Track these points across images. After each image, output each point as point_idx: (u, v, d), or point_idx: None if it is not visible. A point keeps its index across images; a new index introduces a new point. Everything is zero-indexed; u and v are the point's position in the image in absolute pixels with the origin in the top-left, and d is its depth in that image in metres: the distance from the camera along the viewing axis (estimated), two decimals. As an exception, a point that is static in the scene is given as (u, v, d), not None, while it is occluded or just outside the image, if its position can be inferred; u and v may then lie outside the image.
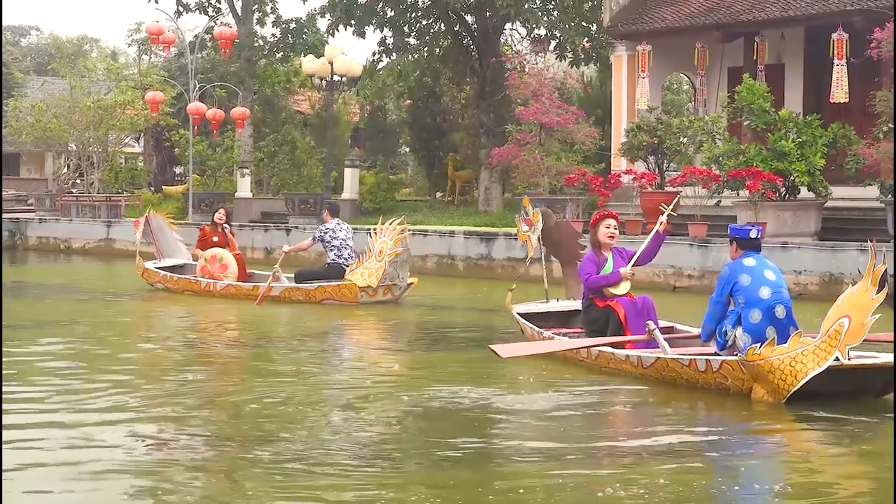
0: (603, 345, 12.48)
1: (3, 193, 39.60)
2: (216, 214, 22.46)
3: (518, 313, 14.75)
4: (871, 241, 10.99)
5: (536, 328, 14.06)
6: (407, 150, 46.39)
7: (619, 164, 29.06)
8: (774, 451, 9.59)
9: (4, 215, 35.47)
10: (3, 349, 13.18)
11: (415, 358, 14.31)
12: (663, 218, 13.32)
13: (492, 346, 11.97)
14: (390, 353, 14.97)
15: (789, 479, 8.58)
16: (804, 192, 24.40)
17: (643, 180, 25.50)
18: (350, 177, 34.99)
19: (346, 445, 9.18)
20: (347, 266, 19.98)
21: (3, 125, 40.00)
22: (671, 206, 13.61)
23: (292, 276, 20.84)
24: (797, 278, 21.48)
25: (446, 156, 38.70)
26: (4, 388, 10.77)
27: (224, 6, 42.18)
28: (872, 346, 11.01)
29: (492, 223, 28.30)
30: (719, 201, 24.66)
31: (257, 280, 21.30)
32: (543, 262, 15.75)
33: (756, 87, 25.01)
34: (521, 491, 8.03)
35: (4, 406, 9.98)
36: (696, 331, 12.59)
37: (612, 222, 13.50)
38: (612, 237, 13.44)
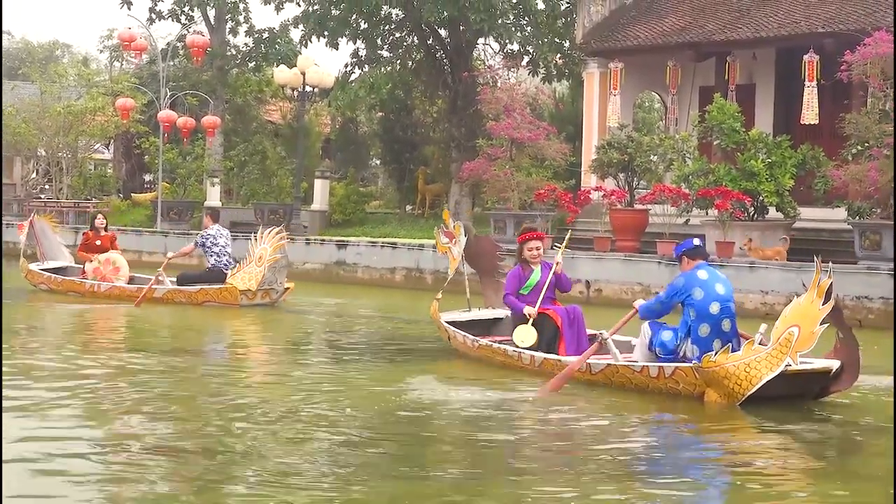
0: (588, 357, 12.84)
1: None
2: (96, 220, 23.28)
3: (446, 322, 15.31)
4: (817, 257, 11.54)
5: (470, 336, 14.67)
6: (378, 162, 46.33)
7: (589, 180, 29.09)
8: (729, 450, 10.17)
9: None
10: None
11: (341, 367, 14.38)
12: (558, 257, 14.25)
13: (539, 393, 12.19)
14: (323, 362, 15.07)
15: (742, 473, 9.14)
16: (773, 213, 24.49)
17: (613, 197, 25.55)
18: (320, 188, 34.93)
19: (296, 457, 9.12)
20: (228, 270, 21.05)
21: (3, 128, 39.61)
22: (564, 245, 14.66)
23: (174, 279, 21.55)
24: (764, 298, 21.54)
25: (417, 169, 38.66)
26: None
27: (197, 14, 42.07)
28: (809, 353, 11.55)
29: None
30: (688, 220, 24.72)
31: (140, 283, 22.07)
32: (465, 273, 16.25)
33: (727, 107, 25.10)
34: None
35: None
36: (605, 333, 13.04)
37: (536, 244, 14.35)
38: (536, 257, 14.30)
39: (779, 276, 21.76)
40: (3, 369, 12.05)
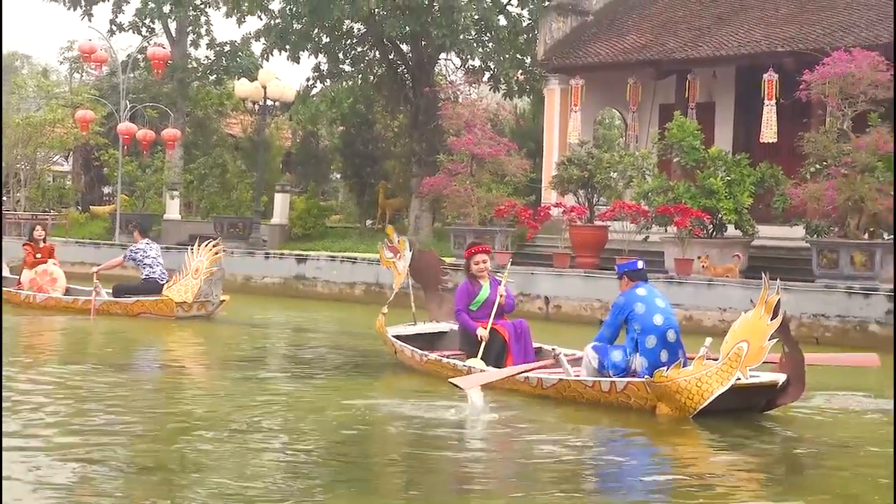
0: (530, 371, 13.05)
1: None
2: (35, 231, 23.35)
3: (392, 336, 15.43)
4: (765, 274, 11.89)
5: (418, 350, 14.82)
6: (338, 176, 46.23)
7: (549, 196, 29.14)
8: (682, 463, 10.34)
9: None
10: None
11: (294, 380, 14.39)
12: (502, 290, 14.32)
13: (452, 380, 12.40)
14: (275, 375, 15.05)
15: (696, 487, 9.21)
16: (731, 230, 24.59)
17: (573, 214, 25.59)
18: (280, 202, 34.83)
19: (245, 473, 9.04)
20: (163, 281, 21.21)
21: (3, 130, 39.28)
22: (506, 275, 14.87)
23: (110, 290, 21.63)
24: (722, 315, 21.59)
25: (377, 183, 38.64)
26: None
27: (158, 27, 41.95)
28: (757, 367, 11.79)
29: (421, 252, 28.28)
30: (647, 237, 24.79)
31: (76, 294, 22.16)
32: (410, 287, 16.40)
33: (687, 125, 25.19)
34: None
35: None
36: (557, 349, 13.37)
37: (482, 257, 14.64)
38: (482, 270, 14.53)
39: (738, 293, 21.82)
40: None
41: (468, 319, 14.28)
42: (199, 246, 21.28)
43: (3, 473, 8.49)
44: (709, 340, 11.88)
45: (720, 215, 24.07)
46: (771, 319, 11.30)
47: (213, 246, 21.26)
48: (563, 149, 30.13)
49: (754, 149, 27.60)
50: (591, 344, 12.98)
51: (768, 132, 26.45)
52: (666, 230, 24.30)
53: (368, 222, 39.03)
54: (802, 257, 23.21)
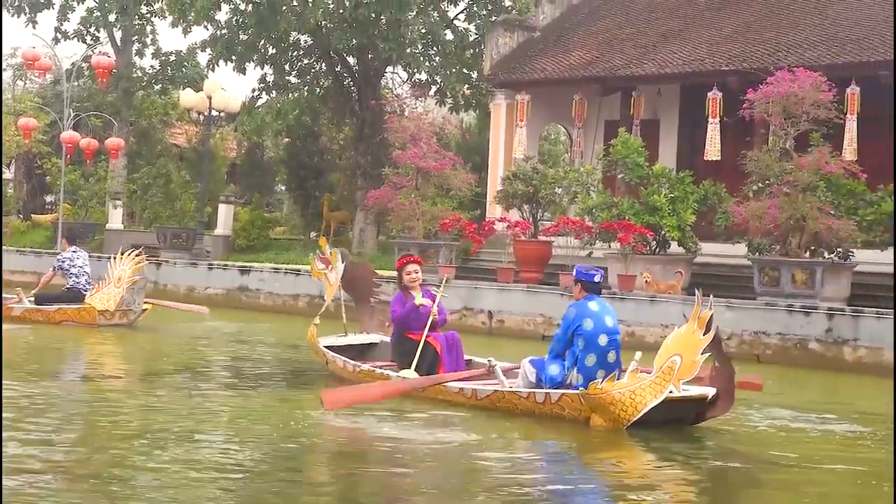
0: (442, 382, 13.27)
1: None
2: None
3: (325, 346, 15.56)
4: (699, 290, 12.08)
5: (351, 361, 14.93)
6: (283, 188, 46.08)
7: (494, 211, 29.20)
8: (616, 475, 10.50)
9: None
10: None
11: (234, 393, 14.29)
12: (435, 308, 14.42)
13: (321, 395, 12.23)
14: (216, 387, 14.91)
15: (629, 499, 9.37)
16: (674, 247, 24.72)
17: (517, 228, 25.64)
18: (224, 213, 34.69)
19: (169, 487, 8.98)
20: (86, 291, 21.15)
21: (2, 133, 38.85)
22: (441, 290, 14.99)
23: (32, 298, 21.55)
24: (664, 331, 21.61)
25: (322, 196, 38.51)
26: None
27: (103, 35, 41.65)
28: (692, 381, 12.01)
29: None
30: (591, 252, 24.87)
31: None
32: (342, 298, 16.54)
33: (631, 142, 25.32)
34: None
35: None
36: (493, 360, 13.44)
37: (414, 267, 14.83)
38: (414, 280, 14.69)
39: (678, 309, 21.91)
40: None
41: (403, 312, 14.41)
42: (122, 255, 21.37)
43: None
44: (639, 354, 12.07)
45: (663, 232, 24.20)
46: (703, 335, 11.53)
47: (137, 255, 21.32)
48: (508, 164, 30.20)
49: (698, 166, 27.78)
50: (528, 358, 13.14)
51: (712, 150, 26.64)
52: (609, 246, 24.40)
53: (313, 234, 38.89)
54: (744, 275, 23.38)
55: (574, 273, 13.11)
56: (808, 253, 22.13)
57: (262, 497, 8.85)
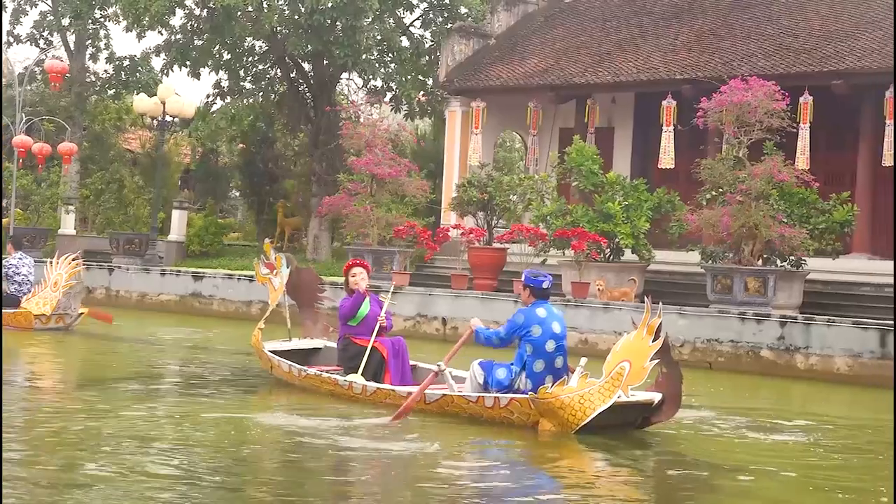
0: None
1: None
2: None
3: (269, 351, 15.60)
4: (648, 297, 12.48)
5: (297, 365, 14.99)
6: (237, 194, 45.94)
7: (448, 218, 29.20)
8: (565, 478, 10.72)
9: None
10: None
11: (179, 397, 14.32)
12: (383, 316, 14.60)
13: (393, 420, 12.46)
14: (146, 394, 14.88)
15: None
16: (628, 255, 24.80)
17: (471, 235, 25.64)
18: (178, 219, 34.53)
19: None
20: (23, 296, 21.14)
21: (3, 134, 38.39)
22: (388, 296, 15.16)
23: None
24: (617, 339, 21.70)
25: (277, 202, 38.44)
26: None
27: (56, 39, 41.43)
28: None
29: (319, 271, 28.10)
30: (545, 260, 24.90)
31: None
32: (286, 303, 16.62)
33: (586, 149, 25.40)
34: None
35: None
36: (432, 367, 13.51)
37: (359, 270, 15.01)
38: (357, 283, 14.85)
39: (632, 317, 21.95)
40: None
41: (350, 304, 14.60)
42: (58, 259, 21.41)
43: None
44: (583, 360, 12.21)
45: (617, 239, 24.28)
46: (653, 341, 11.79)
47: (73, 259, 21.33)
48: (463, 171, 30.22)
49: (652, 174, 27.93)
50: (477, 360, 13.22)
51: (666, 158, 26.74)
52: (564, 253, 24.46)
53: (267, 241, 38.80)
54: (697, 282, 23.49)
55: (523, 278, 13.20)
56: (760, 261, 22.27)
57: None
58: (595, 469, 11.05)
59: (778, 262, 22.66)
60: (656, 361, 11.87)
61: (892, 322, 20.24)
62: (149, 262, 30.98)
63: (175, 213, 34.74)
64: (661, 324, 11.81)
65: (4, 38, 40.76)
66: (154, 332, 22.66)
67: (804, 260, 22.95)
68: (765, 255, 22.46)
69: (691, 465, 11.41)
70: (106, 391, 14.40)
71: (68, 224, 36.29)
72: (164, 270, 29.94)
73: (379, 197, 26.83)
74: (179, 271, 29.81)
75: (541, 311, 12.83)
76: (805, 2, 28.76)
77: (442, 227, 27.83)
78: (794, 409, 17.11)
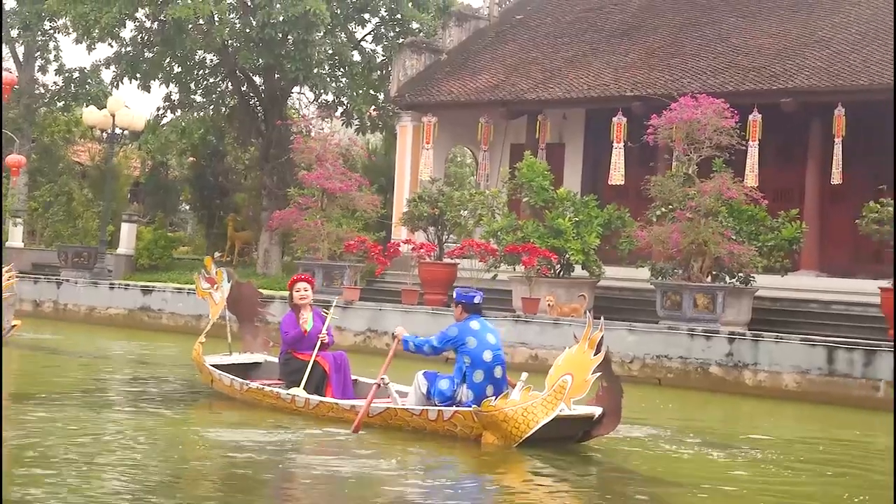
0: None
1: None
2: None
3: (211, 365, 15.65)
4: (589, 312, 13.02)
5: (238, 379, 15.05)
6: (187, 207, 45.76)
7: (399, 233, 29.20)
8: (506, 488, 10.90)
9: None
10: None
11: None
12: (324, 332, 14.59)
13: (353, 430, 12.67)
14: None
15: None
16: (578, 271, 24.87)
17: (422, 251, 25.64)
18: (127, 232, 34.32)
19: None
20: None
21: (3, 133, 37.93)
22: (331, 312, 15.15)
23: None
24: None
25: (227, 216, 38.32)
26: None
27: (5, 51, 41.13)
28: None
29: (270, 286, 28.03)
30: (496, 275, 24.94)
31: None
32: (227, 318, 16.64)
33: (536, 165, 25.47)
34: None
35: None
36: (385, 378, 13.54)
37: (303, 285, 15.00)
38: (304, 298, 14.86)
39: (582, 332, 21.99)
40: None
41: (293, 335, 14.55)
42: None
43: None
44: (524, 375, 12.33)
45: (568, 255, 24.35)
46: (594, 354, 11.89)
47: (7, 271, 20.96)
48: (414, 186, 30.23)
49: (602, 190, 28.03)
50: (422, 370, 13.46)
51: (616, 175, 26.85)
52: (514, 269, 24.48)
53: (217, 255, 38.67)
54: (647, 298, 23.57)
55: (454, 295, 13.58)
56: (709, 277, 22.37)
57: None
58: (539, 482, 11.13)
59: (727, 278, 22.78)
60: (598, 375, 11.98)
61: (839, 339, 20.43)
62: (97, 276, 30.77)
63: (124, 227, 34.54)
64: (602, 338, 11.93)
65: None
66: (100, 345, 22.51)
67: (753, 277, 23.09)
68: (714, 272, 22.57)
69: (638, 480, 11.51)
70: (46, 405, 14.25)
71: (16, 237, 36.01)
72: (112, 284, 29.75)
73: (329, 211, 26.77)
74: (128, 285, 29.63)
75: (474, 324, 13.15)
76: (754, 20, 28.97)
77: (393, 242, 27.82)
78: (744, 425, 17.20)
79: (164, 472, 10.48)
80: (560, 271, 24.74)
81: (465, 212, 26.71)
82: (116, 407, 14.81)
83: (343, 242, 26.17)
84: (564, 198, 25.11)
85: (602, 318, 12.43)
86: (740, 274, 22.89)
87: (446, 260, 26.08)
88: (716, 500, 10.67)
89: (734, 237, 22.40)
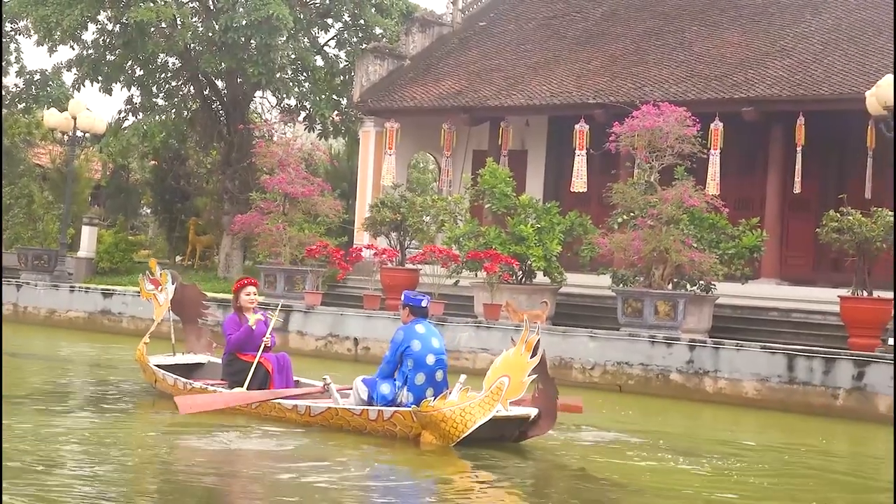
0: (287, 397, 13.93)
1: None
2: None
3: (156, 365, 15.88)
4: (525, 317, 13.42)
5: (182, 379, 15.24)
6: (148, 211, 45.55)
7: (361, 238, 29.20)
8: (444, 485, 11.20)
9: None
10: None
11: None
12: (268, 336, 14.74)
13: (176, 400, 13.17)
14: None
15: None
16: (540, 277, 24.90)
17: (384, 256, 25.63)
18: (87, 235, 34.17)
19: None
20: None
21: (3, 133, 37.56)
22: (276, 314, 15.34)
23: None
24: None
25: (188, 219, 38.18)
26: None
27: (-36, 52, 40.87)
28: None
29: (230, 290, 27.90)
30: (458, 281, 24.96)
31: None
32: (171, 319, 16.92)
33: (499, 172, 25.50)
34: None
35: None
36: (317, 383, 14.47)
37: (252, 289, 15.21)
38: (252, 302, 15.06)
39: (543, 339, 22.00)
40: None
41: (239, 335, 14.67)
42: None
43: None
44: (463, 377, 12.70)
45: (529, 262, 24.37)
46: (531, 357, 12.25)
47: None
48: (376, 191, 30.24)
49: (564, 197, 28.10)
50: (361, 377, 13.80)
51: (578, 182, 26.93)
52: (476, 275, 24.50)
53: (178, 258, 38.54)
54: (608, 305, 23.63)
55: (402, 298, 13.89)
56: (670, 285, 22.45)
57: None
58: (473, 480, 11.49)
59: (688, 286, 22.88)
60: (534, 377, 12.36)
61: (798, 347, 20.54)
62: (58, 279, 30.59)
63: (85, 230, 34.39)
64: (538, 341, 12.33)
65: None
66: (58, 349, 22.35)
67: (714, 284, 23.18)
68: (675, 280, 22.66)
69: (576, 478, 11.96)
70: (9, 411, 14.14)
71: (-25, 239, 35.78)
72: (73, 287, 29.58)
73: (292, 216, 26.73)
74: (89, 288, 29.47)
75: (420, 328, 13.47)
76: (717, 30, 29.13)
77: (355, 247, 27.79)
78: (704, 432, 17.23)
79: (113, 473, 10.56)
80: (522, 278, 24.78)
81: (428, 217, 26.71)
82: (74, 410, 14.76)
83: (305, 247, 26.15)
84: (527, 204, 25.14)
85: (539, 323, 13.03)
86: (701, 282, 22.99)
87: (408, 265, 26.07)
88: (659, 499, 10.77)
89: (695, 245, 22.48)
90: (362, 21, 35.28)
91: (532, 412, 12.72)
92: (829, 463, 14.34)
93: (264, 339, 14.65)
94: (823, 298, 23.48)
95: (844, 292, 21.58)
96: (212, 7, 33.52)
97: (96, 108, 35.94)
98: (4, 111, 41.94)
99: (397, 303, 25.01)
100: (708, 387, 20.52)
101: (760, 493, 11.73)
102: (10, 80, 42.21)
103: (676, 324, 21.61)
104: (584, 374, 21.42)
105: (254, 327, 14.69)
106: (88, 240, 34.12)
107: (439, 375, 13.34)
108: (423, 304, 13.74)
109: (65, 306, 28.84)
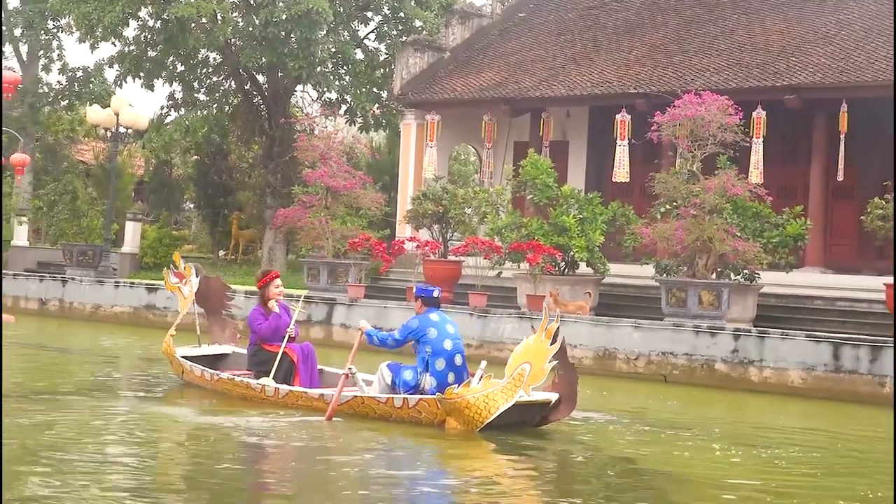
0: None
1: None
2: None
3: (182, 357, 16.23)
4: (546, 305, 13.67)
5: (209, 370, 15.67)
6: (191, 206, 45.73)
7: (403, 230, 29.20)
8: (470, 469, 11.49)
9: None
10: None
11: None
12: (291, 328, 15.09)
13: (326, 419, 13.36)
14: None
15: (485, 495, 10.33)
16: (583, 268, 24.86)
17: (426, 248, 25.65)
18: (131, 230, 34.37)
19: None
20: None
21: (6, 133, 37.95)
22: (300, 305, 15.66)
23: None
24: (572, 352, 21.77)
25: (231, 214, 38.31)
26: None
27: (8, 49, 41.16)
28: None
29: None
30: (500, 273, 24.96)
31: None
32: (196, 311, 17.21)
33: (540, 163, 25.45)
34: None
35: None
36: (340, 371, 14.56)
37: (279, 280, 15.61)
38: (282, 293, 15.59)
39: (587, 329, 22.06)
40: None
41: (268, 326, 15.01)
42: None
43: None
44: (484, 363, 13.07)
45: (572, 253, 24.33)
46: (551, 344, 12.62)
47: None
48: (418, 183, 30.25)
49: (606, 188, 28.05)
50: (385, 362, 14.10)
51: (620, 172, 26.84)
52: (519, 266, 24.49)
53: (221, 253, 38.71)
54: (652, 295, 23.58)
55: (414, 291, 14.46)
56: (714, 274, 22.37)
57: None
58: (497, 463, 11.91)
59: (732, 275, 22.79)
60: (554, 363, 12.68)
61: (844, 335, 20.44)
62: (102, 274, 30.79)
63: (129, 225, 34.59)
64: (558, 328, 12.67)
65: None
66: (100, 343, 22.51)
67: (758, 273, 23.09)
68: (719, 269, 22.57)
69: (579, 455, 12.51)
70: (59, 404, 14.30)
71: (21, 235, 36.04)
72: (117, 282, 29.77)
73: (334, 209, 26.77)
74: (133, 283, 29.65)
75: (434, 316, 13.91)
76: (758, 17, 28.97)
77: (397, 239, 27.79)
78: (750, 421, 17.18)
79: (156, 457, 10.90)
80: (564, 268, 24.74)
81: (470, 209, 26.72)
82: (120, 402, 15.06)
83: (347, 240, 26.18)
84: (568, 195, 25.09)
85: (559, 310, 13.19)
86: (745, 271, 22.89)
87: (451, 258, 26.09)
88: (718, 493, 10.69)
89: (739, 234, 22.41)
90: (402, 14, 35.27)
91: (553, 397, 13.11)
92: (877, 452, 14.22)
93: (288, 329, 14.94)
94: (869, 286, 23.36)
95: (890, 280, 21.46)
96: (252, 2, 33.61)
97: (138, 104, 36.23)
98: (47, 108, 42.24)
99: (441, 296, 25.16)
100: (753, 376, 20.45)
101: (810, 482, 11.67)
102: (53, 78, 42.54)
103: (720, 313, 21.54)
104: (628, 365, 21.39)
105: (277, 316, 15.05)
106: (132, 235, 34.33)
107: (458, 360, 13.71)
108: (435, 294, 14.21)
109: (110, 301, 29.01)
